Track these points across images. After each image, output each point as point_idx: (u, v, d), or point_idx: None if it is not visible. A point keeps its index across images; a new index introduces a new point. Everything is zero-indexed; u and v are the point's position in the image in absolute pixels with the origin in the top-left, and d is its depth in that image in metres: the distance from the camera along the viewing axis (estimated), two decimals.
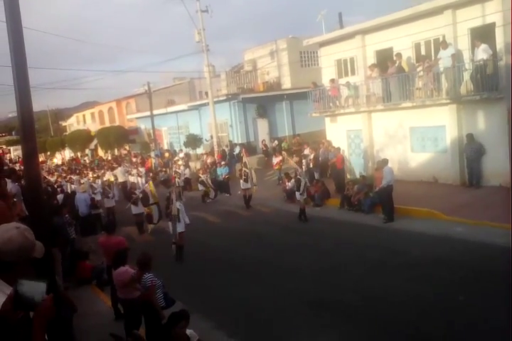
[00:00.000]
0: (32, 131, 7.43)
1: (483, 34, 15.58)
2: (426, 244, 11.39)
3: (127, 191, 21.69)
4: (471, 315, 7.41)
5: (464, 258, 9.96)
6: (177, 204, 11.98)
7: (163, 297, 6.88)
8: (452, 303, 7.91)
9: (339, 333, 7.40)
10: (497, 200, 14.04)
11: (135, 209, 15.76)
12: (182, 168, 25.62)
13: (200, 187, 21.09)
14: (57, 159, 54.26)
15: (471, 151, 16.06)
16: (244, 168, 18.58)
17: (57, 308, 2.58)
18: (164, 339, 5.67)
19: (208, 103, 28.68)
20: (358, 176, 18.82)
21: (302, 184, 15.25)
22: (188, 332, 5.91)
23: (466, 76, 15.89)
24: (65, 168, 42.62)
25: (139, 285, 6.90)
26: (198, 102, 33.81)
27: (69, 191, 23.76)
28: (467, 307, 7.72)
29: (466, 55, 16.22)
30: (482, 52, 14.99)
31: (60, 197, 19.02)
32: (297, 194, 15.39)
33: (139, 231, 15.86)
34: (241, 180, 18.38)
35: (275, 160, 22.92)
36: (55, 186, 27.24)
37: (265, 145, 28.42)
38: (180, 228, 12.06)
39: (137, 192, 16.45)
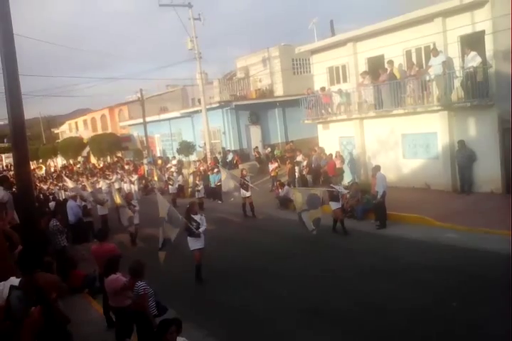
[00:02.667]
0: (23, 138, 7.41)
1: (472, 42, 15.75)
2: (418, 250, 11.41)
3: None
4: (464, 321, 7.42)
5: (456, 265, 9.98)
6: (197, 218, 10.94)
7: (155, 305, 6.84)
8: (444, 309, 7.92)
9: (332, 340, 7.38)
10: (488, 207, 14.12)
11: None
12: (175, 174, 25.59)
13: (198, 194, 20.93)
14: (46, 168, 53.88)
15: (463, 158, 16.18)
16: (242, 177, 18.02)
17: (47, 319, 2.57)
18: None
19: (201, 110, 28.73)
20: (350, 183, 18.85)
21: (339, 193, 14.09)
22: (181, 339, 5.89)
23: (457, 83, 16.04)
24: (56, 175, 42.43)
25: (131, 293, 6.85)
26: (191, 109, 33.84)
27: (61, 199, 23.62)
28: (460, 313, 7.73)
29: (457, 63, 16.37)
30: (472, 60, 15.15)
31: (51, 204, 18.90)
32: (332, 204, 14.14)
33: (132, 242, 15.36)
34: (241, 189, 17.76)
35: (271, 166, 22.97)
36: (48, 193, 27.16)
37: (258, 153, 28.46)
38: (200, 244, 10.92)
39: (134, 202, 15.87)
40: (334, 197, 13.98)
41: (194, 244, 10.84)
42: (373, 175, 14.66)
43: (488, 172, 15.70)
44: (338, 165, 19.69)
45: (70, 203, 16.77)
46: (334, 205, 14.04)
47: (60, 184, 31.61)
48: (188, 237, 10.90)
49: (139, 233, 16.16)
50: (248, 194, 17.78)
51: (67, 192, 25.63)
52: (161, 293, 7.48)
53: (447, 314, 7.74)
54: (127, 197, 16.45)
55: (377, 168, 14.52)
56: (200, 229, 10.76)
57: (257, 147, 29.01)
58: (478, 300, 8.12)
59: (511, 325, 6.79)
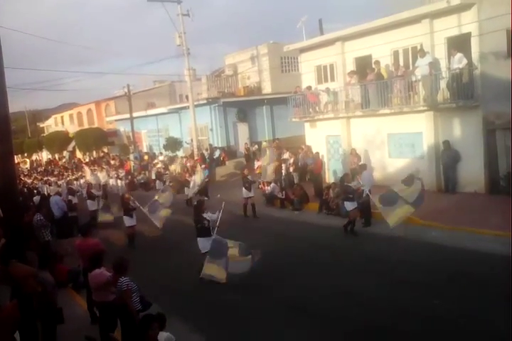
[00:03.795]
0: (8, 131, 7.33)
1: (459, 43, 15.92)
2: (402, 248, 11.54)
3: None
4: (447, 319, 7.53)
5: (440, 263, 10.11)
6: (207, 216, 10.36)
7: (139, 300, 6.84)
8: (428, 307, 8.02)
9: (317, 337, 7.45)
10: (472, 206, 14.33)
11: (128, 221, 14.22)
12: (162, 170, 25.53)
13: (187, 191, 20.58)
14: (28, 162, 53.26)
15: (447, 158, 16.37)
16: (244, 177, 17.35)
17: (27, 314, 2.56)
18: None
19: (189, 106, 28.64)
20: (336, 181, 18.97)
21: (353, 193, 13.24)
22: (165, 334, 5.90)
23: (443, 84, 16.21)
24: (41, 169, 42.04)
25: (115, 288, 6.85)
26: (179, 105, 33.75)
27: (46, 193, 23.43)
28: (443, 311, 7.84)
29: (443, 64, 16.54)
30: (458, 61, 15.32)
31: (36, 198, 18.76)
32: (347, 204, 13.41)
33: (129, 245, 14.22)
34: (243, 188, 17.06)
35: (257, 164, 23.00)
36: (32, 188, 26.89)
37: (247, 150, 28.43)
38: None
39: (131, 203, 14.32)
40: (348, 197, 13.34)
41: (207, 245, 10.02)
42: (359, 174, 14.76)
43: (472, 172, 15.91)
44: (353, 165, 18.22)
45: (55, 198, 16.65)
46: (350, 206, 13.33)
47: (45, 178, 31.32)
48: (198, 238, 10.18)
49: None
50: (251, 194, 17.04)
51: (51, 187, 25.44)
52: (151, 288, 7.46)
53: (430, 311, 7.85)
54: (126, 198, 14.74)
55: (363, 167, 14.63)
56: (215, 230, 10.10)
57: (246, 144, 29.07)
58: (461, 298, 8.25)
59: (499, 321, 6.93)
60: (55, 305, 6.82)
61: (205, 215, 10.37)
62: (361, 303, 8.47)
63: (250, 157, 27.55)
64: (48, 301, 6.59)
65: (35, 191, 24.76)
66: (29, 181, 34.09)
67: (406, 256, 10.86)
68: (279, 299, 9.10)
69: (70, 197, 18.52)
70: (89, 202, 17.83)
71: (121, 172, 28.47)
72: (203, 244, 10.18)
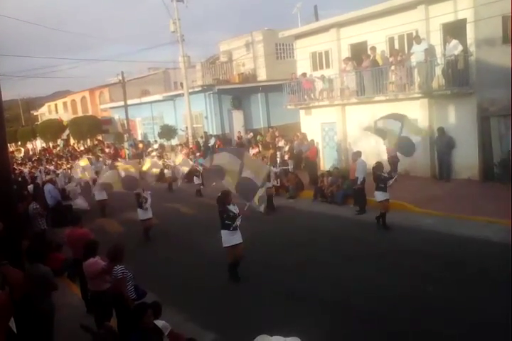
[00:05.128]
0: (1, 120, 7.27)
1: (454, 30, 15.85)
2: (397, 235, 11.59)
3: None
4: (441, 305, 7.59)
5: (434, 250, 10.17)
6: (232, 208, 9.50)
7: (133, 289, 6.86)
8: (422, 293, 8.09)
9: (315, 324, 7.48)
10: (466, 193, 14.40)
11: (143, 214, 13.39)
12: (156, 158, 25.33)
13: (196, 180, 19.99)
14: (23, 151, 52.92)
15: (442, 145, 16.40)
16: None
17: (19, 304, 2.57)
18: (134, 330, 5.66)
19: (183, 94, 28.49)
20: (331, 168, 18.97)
21: (386, 182, 12.15)
22: (161, 323, 5.92)
23: (438, 71, 16.16)
24: (36, 158, 41.81)
25: (110, 277, 6.87)
26: (173, 93, 33.58)
27: (40, 182, 23.27)
28: (437, 297, 7.91)
29: (438, 50, 16.48)
30: (453, 48, 15.26)
31: (30, 187, 18.66)
32: (378, 194, 12.26)
33: (146, 236, 13.49)
34: None
35: (251, 151, 22.93)
36: (27, 177, 26.71)
37: (239, 138, 28.36)
38: (238, 238, 9.48)
39: (145, 194, 13.48)
40: (380, 187, 12.23)
41: (230, 239, 9.35)
42: (354, 161, 14.77)
43: (466, 159, 15.96)
44: (392, 153, 16.83)
45: (48, 186, 16.52)
46: (381, 196, 12.23)
47: (40, 167, 31.11)
48: (222, 231, 9.44)
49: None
50: (269, 185, 14.95)
51: (49, 176, 25.25)
52: (140, 275, 7.47)
53: (424, 298, 7.92)
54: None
55: (358, 154, 14.62)
56: (238, 222, 9.30)
57: (239, 132, 28.97)
58: (455, 285, 8.31)
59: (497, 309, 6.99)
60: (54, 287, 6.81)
61: (230, 207, 9.50)
62: (358, 291, 8.52)
63: (244, 145, 27.50)
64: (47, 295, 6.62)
65: (29, 180, 24.62)
66: (26, 170, 33.90)
67: (401, 243, 10.90)
68: (276, 286, 9.13)
69: (73, 186, 18.43)
70: (96, 191, 17.46)
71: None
72: (227, 237, 9.38)
